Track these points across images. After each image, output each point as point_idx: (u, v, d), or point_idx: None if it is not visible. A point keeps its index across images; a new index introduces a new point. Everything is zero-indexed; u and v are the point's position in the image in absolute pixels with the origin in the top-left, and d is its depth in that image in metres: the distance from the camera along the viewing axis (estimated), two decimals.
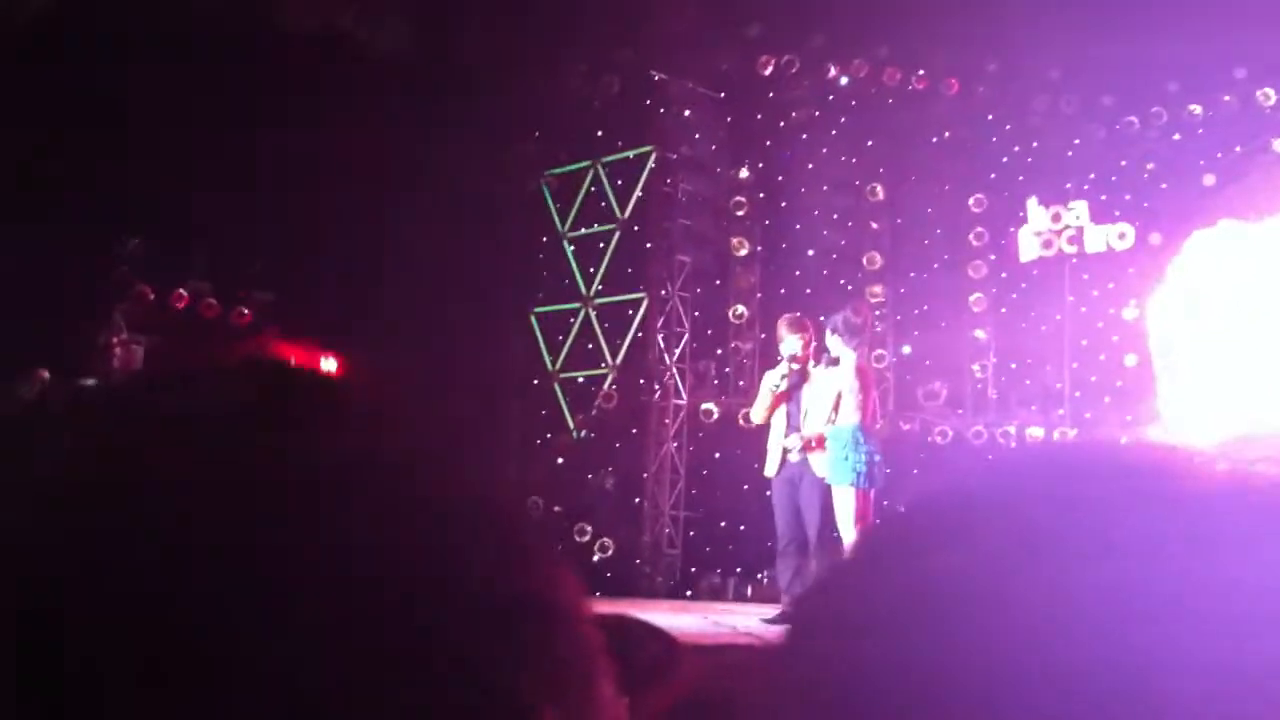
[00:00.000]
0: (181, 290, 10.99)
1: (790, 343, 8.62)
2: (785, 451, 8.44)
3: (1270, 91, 10.89)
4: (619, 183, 12.04)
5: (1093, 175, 11.50)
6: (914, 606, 0.42)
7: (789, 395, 8.51)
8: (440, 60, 11.07)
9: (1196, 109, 11.24)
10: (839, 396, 8.19)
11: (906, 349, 11.55)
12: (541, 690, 0.50)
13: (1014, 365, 11.37)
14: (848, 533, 8.08)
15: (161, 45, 9.22)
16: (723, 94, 11.85)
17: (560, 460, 11.07)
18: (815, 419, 8.37)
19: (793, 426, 8.47)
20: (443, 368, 10.14)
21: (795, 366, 8.51)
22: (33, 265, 8.69)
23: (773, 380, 8.62)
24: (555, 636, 0.53)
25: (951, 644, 0.41)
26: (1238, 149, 11.00)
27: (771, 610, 8.26)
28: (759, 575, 9.42)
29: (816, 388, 8.41)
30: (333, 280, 11.03)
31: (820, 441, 8.32)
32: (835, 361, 8.33)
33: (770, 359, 8.72)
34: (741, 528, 9.17)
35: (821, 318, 8.55)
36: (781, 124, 11.89)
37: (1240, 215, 10.51)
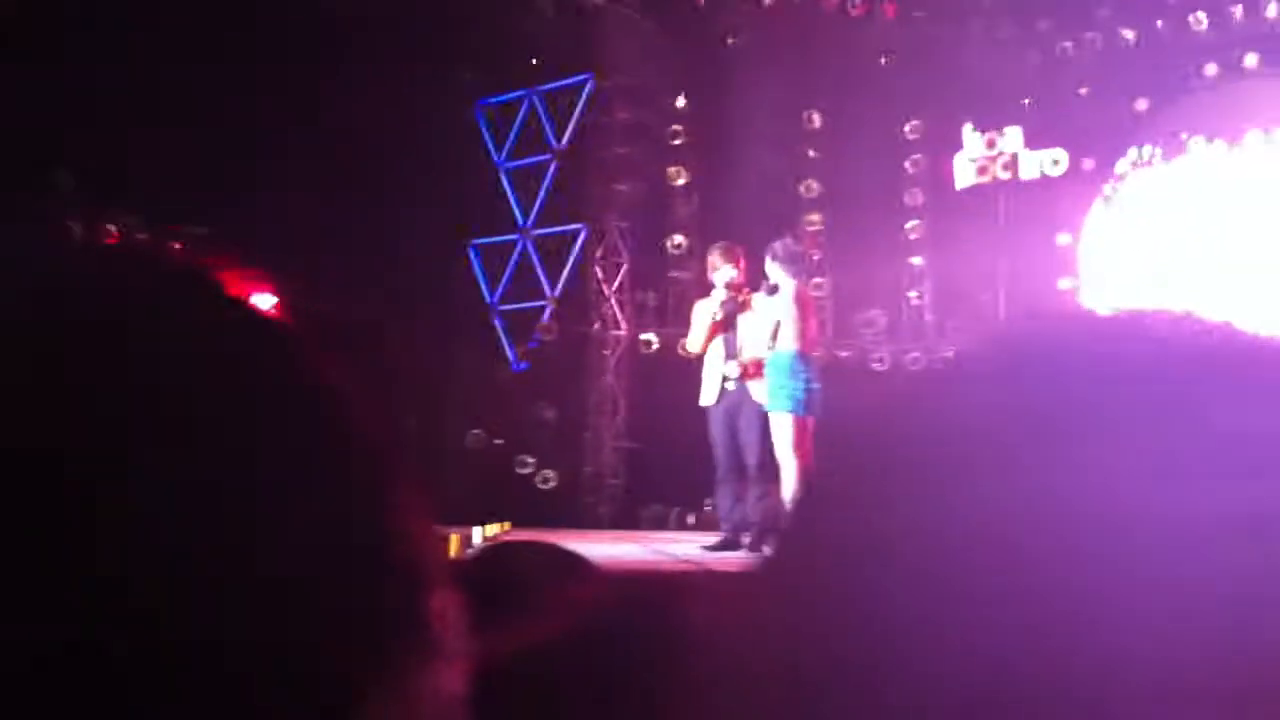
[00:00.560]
0: (110, 226, 10.78)
1: (724, 271, 8.64)
2: (724, 380, 8.50)
3: (1202, 15, 10.96)
4: (556, 112, 11.93)
5: (1027, 101, 11.55)
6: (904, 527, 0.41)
7: (726, 324, 8.56)
8: None
9: (1129, 33, 11.30)
10: (778, 324, 8.24)
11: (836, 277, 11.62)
12: (370, 660, 0.44)
13: (949, 292, 11.47)
14: (786, 460, 8.16)
15: None
16: (660, 20, 11.74)
17: (500, 392, 11.07)
18: (753, 346, 8.42)
19: (730, 355, 8.51)
20: (382, 300, 10.08)
21: (732, 294, 8.55)
22: None
23: (709, 308, 8.65)
24: (407, 603, 0.45)
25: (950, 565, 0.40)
26: (1170, 74, 11.09)
27: (712, 538, 8.36)
28: (701, 504, 9.50)
29: (755, 315, 8.45)
30: (268, 214, 10.87)
31: (758, 368, 8.38)
32: (774, 289, 8.37)
33: (709, 288, 8.75)
34: (683, 458, 9.23)
35: (762, 246, 8.59)
36: (719, 51, 11.80)
37: (1183, 139, 10.63)
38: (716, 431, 8.59)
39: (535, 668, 0.84)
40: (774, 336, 8.22)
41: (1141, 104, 11.13)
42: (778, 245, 8.62)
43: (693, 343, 8.88)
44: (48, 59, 9.01)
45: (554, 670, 0.83)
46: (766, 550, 0.49)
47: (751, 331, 8.47)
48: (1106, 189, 10.97)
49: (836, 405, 8.23)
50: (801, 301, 8.30)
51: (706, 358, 8.68)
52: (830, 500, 0.47)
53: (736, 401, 8.52)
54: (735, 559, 7.65)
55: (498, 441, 10.04)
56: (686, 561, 7.18)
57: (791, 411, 8.14)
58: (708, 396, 8.62)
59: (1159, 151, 10.81)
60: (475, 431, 9.87)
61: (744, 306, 8.55)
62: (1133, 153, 10.92)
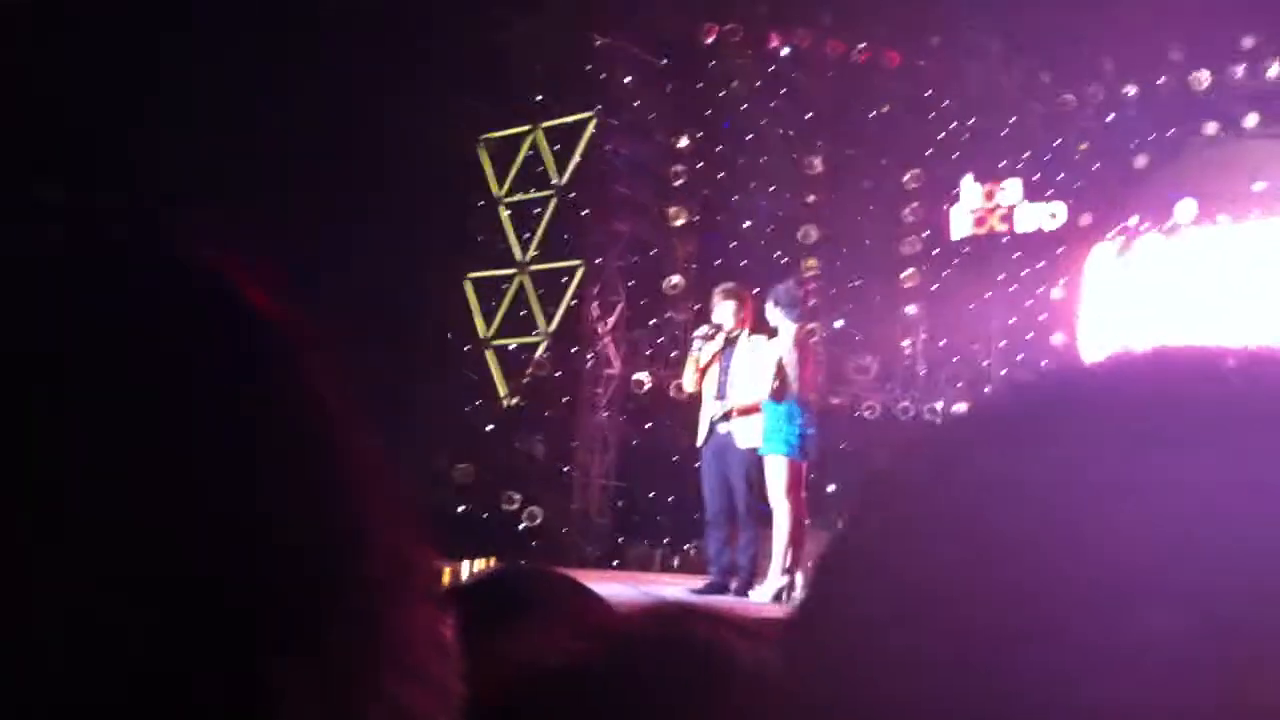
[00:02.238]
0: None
1: (721, 311, 8.62)
2: (712, 421, 8.45)
3: (1204, 75, 10.98)
4: (558, 148, 11.93)
5: (1027, 153, 11.56)
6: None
7: (721, 364, 8.51)
8: (381, 12, 10.81)
9: (1131, 89, 11.32)
10: (777, 367, 8.21)
11: (839, 323, 11.60)
12: (305, 679, 0.41)
13: (943, 342, 11.44)
14: (779, 504, 8.12)
15: None
16: (664, 60, 11.77)
17: (490, 427, 11.00)
18: (746, 389, 8.37)
19: (720, 395, 8.47)
20: (373, 330, 10.01)
21: (721, 335, 8.51)
22: None
23: (697, 348, 8.62)
24: (370, 613, 0.43)
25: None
26: (1171, 131, 11.10)
27: (700, 581, 8.29)
28: (687, 546, 9.44)
29: (750, 358, 8.41)
30: (258, 233, 10.76)
31: (746, 411, 8.34)
32: (773, 332, 8.34)
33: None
34: (671, 498, 9.18)
35: (756, 290, 8.56)
36: (722, 93, 11.84)
37: (1176, 202, 10.63)
38: (706, 473, 8.53)
39: (566, 685, 0.79)
40: (774, 380, 8.20)
41: (1140, 160, 11.14)
42: (780, 289, 8.61)
43: (686, 381, 8.86)
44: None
45: (586, 688, 0.78)
46: (785, 602, 0.45)
47: (745, 373, 8.43)
48: (1108, 245, 10.95)
49: (829, 451, 8.19)
50: (800, 346, 8.29)
51: (701, 399, 8.64)
52: (857, 561, 0.43)
53: (726, 444, 8.47)
54: (726, 603, 7.56)
55: (485, 476, 9.97)
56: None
57: (788, 455, 8.11)
58: (700, 438, 8.58)
59: (1166, 213, 10.79)
60: (463, 465, 9.81)
61: (731, 346, 8.52)
62: (1137, 215, 10.90)
